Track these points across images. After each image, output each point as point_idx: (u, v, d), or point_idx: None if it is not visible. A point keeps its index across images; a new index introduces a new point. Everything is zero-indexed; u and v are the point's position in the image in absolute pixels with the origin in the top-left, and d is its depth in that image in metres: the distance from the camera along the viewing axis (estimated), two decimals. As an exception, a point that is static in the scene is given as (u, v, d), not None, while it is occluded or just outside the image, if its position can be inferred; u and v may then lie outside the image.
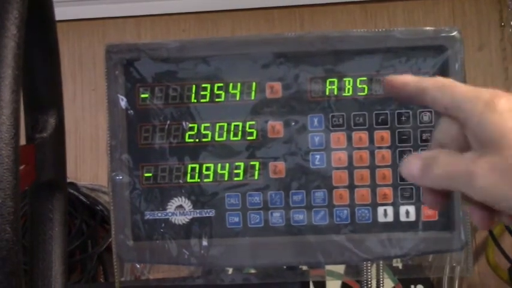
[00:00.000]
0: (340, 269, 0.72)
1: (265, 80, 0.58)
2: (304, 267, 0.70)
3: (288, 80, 0.58)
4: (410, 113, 0.57)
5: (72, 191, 1.12)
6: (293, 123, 0.58)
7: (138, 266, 0.66)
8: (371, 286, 0.68)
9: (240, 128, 0.58)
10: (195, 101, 0.58)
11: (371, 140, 0.58)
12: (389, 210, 0.58)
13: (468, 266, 0.58)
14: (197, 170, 0.58)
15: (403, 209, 0.57)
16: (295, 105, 0.58)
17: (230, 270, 0.65)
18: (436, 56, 0.57)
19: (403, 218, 0.57)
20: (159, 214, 0.59)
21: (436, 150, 0.41)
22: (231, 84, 0.58)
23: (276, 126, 0.58)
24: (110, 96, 0.58)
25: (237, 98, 0.58)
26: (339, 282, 0.89)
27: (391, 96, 0.42)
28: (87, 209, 1.14)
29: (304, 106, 0.58)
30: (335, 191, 0.58)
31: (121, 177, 0.58)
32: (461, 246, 0.57)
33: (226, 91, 0.58)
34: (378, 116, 0.58)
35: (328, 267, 0.72)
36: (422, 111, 0.57)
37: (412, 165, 0.41)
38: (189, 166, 0.58)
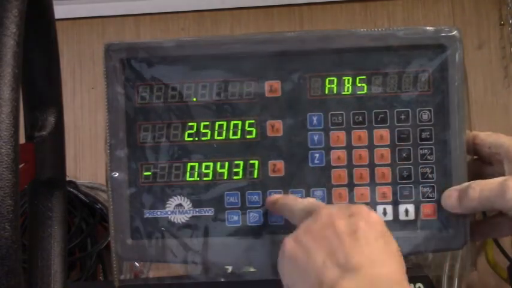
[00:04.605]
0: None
1: (265, 78, 0.58)
2: (304, 266, 0.70)
3: (287, 79, 0.58)
4: (410, 111, 0.57)
5: (71, 189, 1.12)
6: (292, 122, 0.58)
7: (137, 264, 0.66)
8: (370, 284, 0.68)
9: (239, 127, 0.58)
10: (194, 99, 0.58)
11: (370, 138, 0.58)
12: (389, 208, 0.58)
13: (467, 264, 0.58)
14: (196, 169, 0.58)
15: (402, 208, 0.58)
16: (295, 104, 0.58)
17: (229, 269, 0.65)
18: (436, 54, 0.57)
19: (402, 216, 0.57)
20: (158, 213, 0.59)
21: (469, 182, 0.54)
22: (230, 83, 0.58)
23: (275, 125, 0.58)
24: (109, 95, 0.58)
25: (236, 97, 0.58)
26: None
27: None
28: (86, 207, 1.14)
29: (304, 105, 0.58)
30: (334, 189, 0.58)
31: (120, 176, 0.58)
32: (461, 245, 0.57)
33: (226, 90, 0.58)
34: (377, 114, 0.58)
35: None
36: (422, 110, 0.57)
37: (451, 196, 0.55)
38: (189, 165, 0.59)
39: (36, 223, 0.57)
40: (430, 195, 0.57)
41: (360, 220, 0.48)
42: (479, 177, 0.54)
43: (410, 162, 0.57)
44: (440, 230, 0.57)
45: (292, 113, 0.58)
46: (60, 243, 0.58)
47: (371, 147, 0.58)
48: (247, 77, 0.58)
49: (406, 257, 0.49)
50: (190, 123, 0.58)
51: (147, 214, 0.59)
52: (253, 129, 0.58)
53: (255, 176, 0.58)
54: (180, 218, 0.59)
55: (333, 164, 0.58)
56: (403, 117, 0.57)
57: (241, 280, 0.62)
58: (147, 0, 1.25)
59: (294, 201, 0.55)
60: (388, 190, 0.57)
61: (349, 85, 0.58)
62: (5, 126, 0.39)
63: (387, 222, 0.57)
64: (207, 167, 0.58)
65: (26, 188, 0.58)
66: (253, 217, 0.58)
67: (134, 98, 0.59)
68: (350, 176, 0.58)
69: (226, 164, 0.58)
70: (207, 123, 0.58)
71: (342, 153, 0.58)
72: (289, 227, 0.58)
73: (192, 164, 0.58)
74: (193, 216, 0.59)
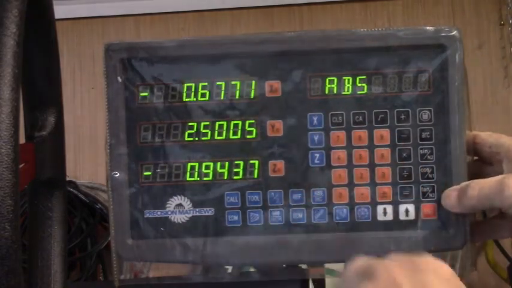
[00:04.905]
0: (340, 267, 0.72)
1: (265, 78, 0.58)
2: (304, 266, 0.71)
3: (287, 79, 0.58)
4: (410, 111, 0.57)
5: (71, 189, 1.12)
6: (292, 122, 0.58)
7: (137, 264, 0.66)
8: (370, 284, 0.68)
9: (240, 127, 0.58)
10: (195, 99, 0.58)
11: (370, 138, 0.58)
12: (389, 208, 0.58)
13: (467, 264, 0.58)
14: (196, 169, 0.58)
15: (402, 208, 0.58)
16: (295, 104, 0.58)
17: (229, 269, 0.65)
18: (436, 54, 0.57)
19: (402, 216, 0.57)
20: (159, 213, 0.59)
21: (468, 181, 0.54)
22: (230, 83, 0.58)
23: (275, 125, 0.58)
24: (109, 95, 0.58)
25: (237, 97, 0.58)
26: (338, 281, 0.89)
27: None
28: (86, 207, 1.14)
29: (304, 105, 0.58)
30: (334, 189, 0.58)
31: (120, 176, 0.58)
32: (461, 245, 0.57)
33: (226, 90, 0.58)
34: (377, 114, 0.58)
35: (328, 265, 0.72)
36: (422, 110, 0.57)
37: (450, 195, 0.55)
38: (189, 165, 0.58)
39: (36, 223, 0.57)
40: (430, 195, 0.57)
41: (428, 275, 0.42)
42: (479, 178, 0.54)
43: (411, 162, 0.57)
44: (440, 230, 0.57)
45: (292, 113, 0.58)
46: (60, 243, 0.58)
47: (371, 147, 0.58)
48: (247, 77, 0.58)
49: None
50: (190, 123, 0.58)
51: (147, 214, 0.59)
52: (253, 129, 0.58)
53: (255, 176, 0.58)
54: (180, 218, 0.59)
55: (333, 164, 0.58)
56: (403, 117, 0.57)
57: (241, 280, 0.62)
58: (147, 0, 1.25)
59: (344, 270, 0.48)
60: (388, 190, 0.57)
61: (349, 85, 0.58)
62: (5, 126, 0.39)
63: (387, 222, 0.57)
64: (207, 167, 0.58)
65: (26, 188, 0.58)
66: (253, 217, 0.58)
67: (134, 97, 0.59)
68: (350, 176, 0.58)
69: (226, 164, 0.58)
70: (207, 123, 0.58)
71: (342, 153, 0.58)
72: (288, 228, 0.58)
73: (192, 164, 0.58)
74: (193, 216, 0.59)
